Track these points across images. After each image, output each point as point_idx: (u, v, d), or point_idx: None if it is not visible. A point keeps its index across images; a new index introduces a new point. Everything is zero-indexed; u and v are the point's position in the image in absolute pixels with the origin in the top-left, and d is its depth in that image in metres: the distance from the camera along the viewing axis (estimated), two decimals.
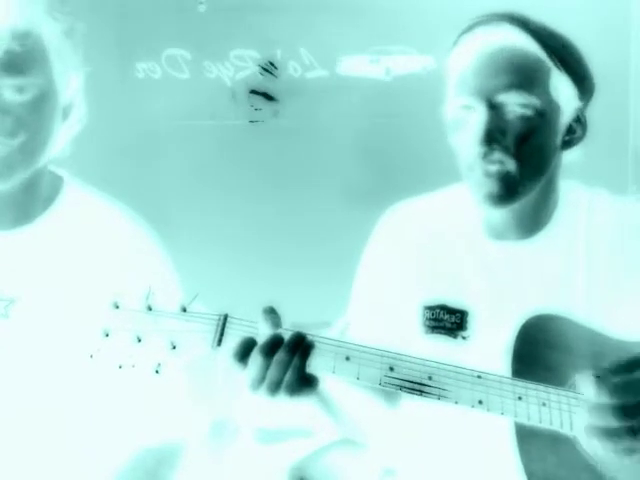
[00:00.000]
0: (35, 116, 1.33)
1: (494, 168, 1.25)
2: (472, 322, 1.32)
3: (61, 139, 1.43)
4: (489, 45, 1.26)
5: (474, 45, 1.27)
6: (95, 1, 2.58)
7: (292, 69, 2.65)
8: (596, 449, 1.13)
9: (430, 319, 1.34)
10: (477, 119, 1.24)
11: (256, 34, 2.62)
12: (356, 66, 2.65)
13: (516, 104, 1.24)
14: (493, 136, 1.23)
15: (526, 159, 1.25)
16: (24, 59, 1.31)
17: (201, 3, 2.63)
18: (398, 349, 1.17)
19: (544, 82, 1.26)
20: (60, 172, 1.49)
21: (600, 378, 1.12)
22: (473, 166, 1.26)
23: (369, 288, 1.44)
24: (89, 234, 1.41)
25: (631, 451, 1.10)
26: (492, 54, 1.25)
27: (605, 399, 1.10)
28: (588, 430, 1.12)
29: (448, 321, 1.33)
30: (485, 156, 1.24)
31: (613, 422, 1.09)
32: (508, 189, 1.26)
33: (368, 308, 1.43)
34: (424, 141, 2.47)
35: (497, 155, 1.24)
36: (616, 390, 1.10)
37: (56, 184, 1.46)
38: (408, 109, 2.58)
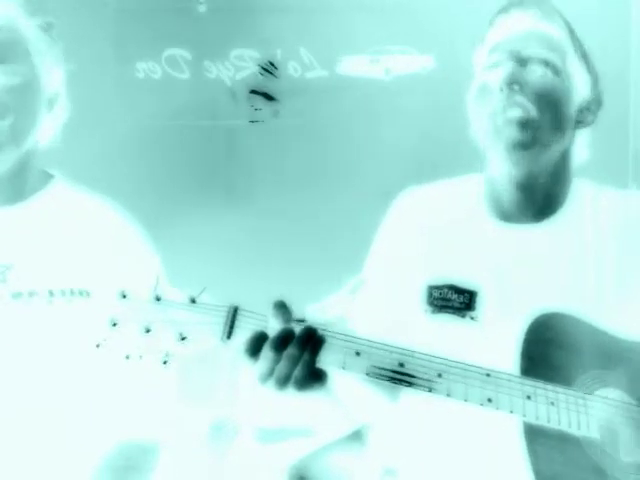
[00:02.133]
0: (21, 101, 1.40)
1: (516, 113, 1.29)
2: (481, 303, 1.32)
3: (49, 128, 1.49)
4: (521, 26, 1.35)
5: (508, 24, 1.36)
6: (95, 1, 2.58)
7: (292, 69, 2.65)
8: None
9: (438, 298, 1.34)
10: (503, 68, 1.31)
11: (256, 34, 2.62)
12: (356, 66, 2.65)
13: (539, 60, 1.31)
14: (516, 79, 1.30)
15: (545, 110, 1.31)
16: (5, 48, 1.39)
17: (201, 3, 2.63)
18: (406, 330, 1.17)
19: (563, 55, 1.34)
20: (53, 172, 1.53)
21: None
22: (495, 113, 1.30)
23: (380, 268, 1.45)
24: (71, 223, 1.45)
25: None
26: (523, 30, 1.35)
27: None
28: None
29: (456, 301, 1.33)
30: (508, 98, 1.29)
31: None
32: (528, 133, 1.29)
33: (378, 282, 1.44)
34: (424, 141, 2.49)
35: (519, 98, 1.29)
36: None
37: (45, 179, 1.50)
38: (408, 109, 2.58)
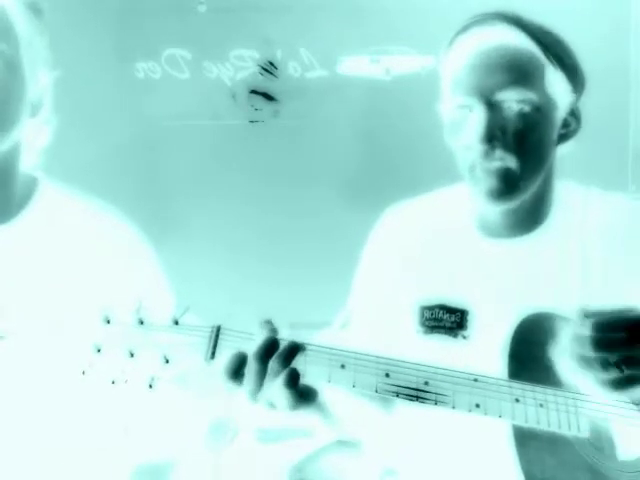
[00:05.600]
0: (1, 85, 1.26)
1: (495, 165, 1.25)
2: (472, 321, 1.32)
3: (32, 147, 1.39)
4: (484, 44, 1.27)
5: (469, 45, 1.28)
6: (95, 1, 2.58)
7: (292, 69, 2.65)
8: (573, 371, 1.12)
9: (430, 319, 1.33)
10: (476, 119, 1.25)
11: (256, 34, 2.63)
12: (356, 66, 2.65)
13: (514, 100, 1.25)
14: (494, 134, 1.24)
15: (526, 155, 1.26)
16: None
17: (201, 3, 2.63)
18: (397, 350, 1.16)
19: (539, 78, 1.27)
20: (35, 173, 1.42)
21: (588, 315, 1.09)
22: (474, 165, 1.27)
23: (368, 288, 1.44)
24: (68, 234, 1.36)
25: (603, 382, 1.08)
26: (487, 53, 1.26)
27: (586, 331, 1.07)
28: (569, 353, 1.10)
29: (448, 320, 1.32)
30: (486, 154, 1.25)
31: (589, 352, 1.06)
32: (509, 185, 1.27)
33: (367, 308, 1.43)
34: (424, 141, 2.48)
35: (498, 152, 1.25)
36: (598, 326, 1.07)
37: (30, 185, 1.40)
38: (408, 109, 2.58)
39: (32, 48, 1.32)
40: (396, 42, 2.63)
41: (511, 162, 1.25)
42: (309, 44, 2.63)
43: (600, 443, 1.17)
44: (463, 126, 1.27)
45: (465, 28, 1.29)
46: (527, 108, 1.25)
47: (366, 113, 2.63)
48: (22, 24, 1.30)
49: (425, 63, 2.61)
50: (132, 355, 1.12)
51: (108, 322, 1.13)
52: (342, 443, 1.84)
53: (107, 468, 1.37)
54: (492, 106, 1.25)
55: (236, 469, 2.17)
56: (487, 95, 1.25)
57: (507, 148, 1.25)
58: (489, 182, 1.26)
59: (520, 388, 1.14)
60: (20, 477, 1.31)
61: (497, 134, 1.24)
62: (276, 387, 1.10)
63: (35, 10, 1.33)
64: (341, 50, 2.63)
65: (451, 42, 1.31)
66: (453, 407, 1.13)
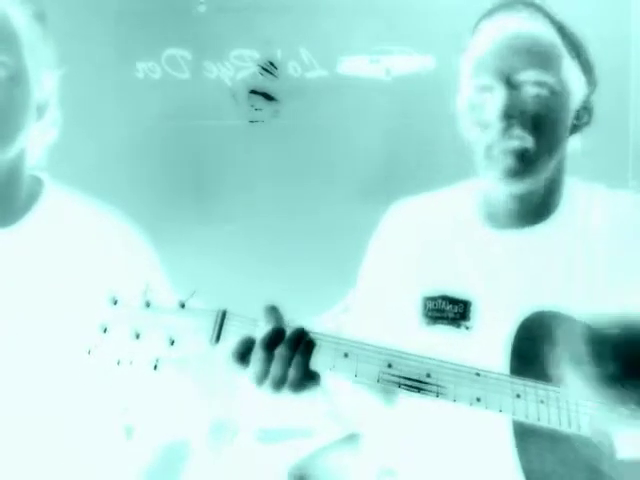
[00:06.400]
0: (4, 97, 1.28)
1: (513, 144, 1.28)
2: (475, 312, 1.32)
3: (37, 145, 1.40)
4: (508, 29, 1.31)
5: (493, 30, 1.32)
6: (95, 1, 2.58)
7: (292, 69, 2.65)
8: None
9: (432, 310, 1.35)
10: (497, 97, 1.28)
11: (256, 34, 2.63)
12: (356, 66, 2.65)
13: (533, 83, 1.29)
14: (513, 112, 1.27)
15: (543, 136, 1.30)
16: None
17: (201, 3, 2.63)
18: (400, 341, 1.17)
19: (557, 65, 1.31)
20: (40, 175, 1.45)
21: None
22: (491, 145, 1.29)
23: (373, 279, 1.45)
24: (72, 235, 1.39)
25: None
26: (510, 38, 1.31)
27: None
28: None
29: (451, 311, 1.33)
30: (505, 131, 1.28)
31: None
32: (525, 164, 1.29)
33: (371, 298, 1.44)
34: (424, 141, 2.49)
35: (517, 130, 1.28)
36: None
37: (36, 187, 1.42)
38: (408, 109, 2.58)
39: (35, 53, 1.34)
40: (396, 42, 2.63)
41: (529, 142, 1.28)
42: (309, 44, 2.63)
43: (599, 442, 1.18)
44: (482, 107, 1.31)
45: (490, 13, 1.34)
46: (545, 91, 1.29)
47: (366, 113, 2.63)
48: (25, 30, 1.32)
49: (425, 63, 2.61)
50: (138, 336, 1.14)
51: (115, 303, 1.15)
52: (342, 442, 1.84)
53: (110, 449, 1.39)
54: (512, 86, 1.28)
55: (236, 469, 2.17)
56: (508, 75, 1.28)
57: (525, 127, 1.28)
58: (506, 161, 1.28)
59: (521, 384, 1.15)
60: (22, 454, 1.33)
61: (516, 112, 1.27)
62: (284, 370, 1.12)
63: (38, 16, 1.35)
64: (341, 50, 2.63)
65: (476, 26, 1.35)
66: (454, 400, 1.14)
